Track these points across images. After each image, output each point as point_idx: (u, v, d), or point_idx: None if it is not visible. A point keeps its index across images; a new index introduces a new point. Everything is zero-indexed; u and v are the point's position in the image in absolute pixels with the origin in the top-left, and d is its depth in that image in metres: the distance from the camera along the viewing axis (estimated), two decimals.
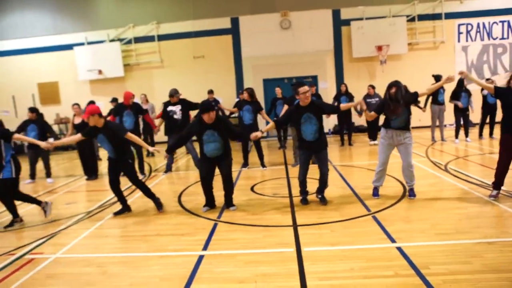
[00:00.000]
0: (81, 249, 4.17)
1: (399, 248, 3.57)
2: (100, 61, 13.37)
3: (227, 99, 12.76)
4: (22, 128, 7.83)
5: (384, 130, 5.10)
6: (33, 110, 7.95)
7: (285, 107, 7.74)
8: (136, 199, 6.13)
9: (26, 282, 3.42)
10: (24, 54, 14.11)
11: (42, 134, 7.84)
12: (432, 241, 3.71)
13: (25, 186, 7.75)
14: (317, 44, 13.06)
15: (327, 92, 12.67)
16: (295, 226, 4.39)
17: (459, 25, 12.96)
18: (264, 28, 13.12)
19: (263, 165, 7.87)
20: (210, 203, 5.25)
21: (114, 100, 10.27)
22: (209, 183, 5.15)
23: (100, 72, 13.45)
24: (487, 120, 9.96)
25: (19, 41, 14.07)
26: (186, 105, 7.52)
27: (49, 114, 13.55)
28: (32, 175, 8.19)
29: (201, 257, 3.68)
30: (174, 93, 7.45)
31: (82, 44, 13.65)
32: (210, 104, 4.88)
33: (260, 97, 12.82)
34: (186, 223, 4.77)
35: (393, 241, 3.77)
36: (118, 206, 5.70)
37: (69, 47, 13.67)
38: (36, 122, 7.86)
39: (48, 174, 8.17)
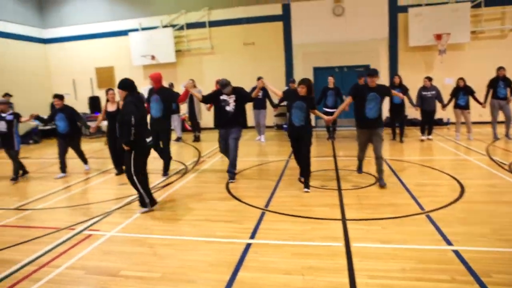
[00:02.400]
0: (133, 229, 4.35)
1: (456, 252, 3.37)
2: (153, 47, 13.77)
3: (276, 87, 12.64)
4: (51, 118, 7.29)
5: None
6: (60, 97, 7.23)
7: (349, 99, 5.91)
8: (186, 183, 6.30)
9: (85, 256, 3.64)
10: (83, 40, 14.88)
11: (71, 124, 7.16)
12: (493, 247, 3.46)
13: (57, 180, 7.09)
14: (371, 32, 12.51)
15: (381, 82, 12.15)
16: (344, 220, 4.29)
17: None
18: (316, 15, 12.78)
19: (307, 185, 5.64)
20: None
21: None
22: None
23: (153, 57, 13.86)
24: None
25: (78, 27, 14.84)
26: (242, 98, 6.35)
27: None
28: (62, 168, 7.30)
29: (248, 245, 3.70)
30: (226, 83, 6.24)
31: (136, 30, 14.12)
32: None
33: None
34: (234, 210, 4.82)
35: (449, 243, 3.56)
36: (169, 189, 5.91)
37: (124, 33, 14.22)
38: (64, 111, 7.15)
39: (85, 161, 7.64)
